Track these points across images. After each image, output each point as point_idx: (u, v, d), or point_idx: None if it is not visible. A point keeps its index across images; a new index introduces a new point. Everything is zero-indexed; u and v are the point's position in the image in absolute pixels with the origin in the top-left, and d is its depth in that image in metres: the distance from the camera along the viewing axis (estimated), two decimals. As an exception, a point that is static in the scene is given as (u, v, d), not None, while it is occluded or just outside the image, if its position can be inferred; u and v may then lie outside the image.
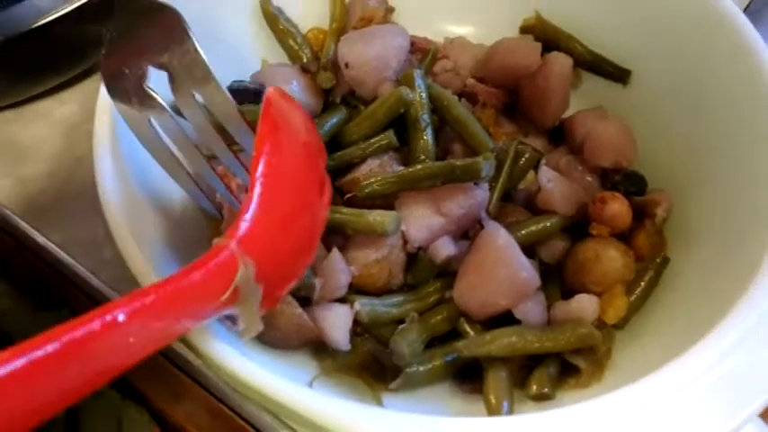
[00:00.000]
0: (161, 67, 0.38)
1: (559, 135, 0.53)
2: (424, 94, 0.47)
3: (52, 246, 0.53)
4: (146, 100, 0.38)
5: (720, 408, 0.32)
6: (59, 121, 0.59)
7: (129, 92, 0.38)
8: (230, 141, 0.40)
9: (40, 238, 0.53)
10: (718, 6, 0.44)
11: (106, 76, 0.39)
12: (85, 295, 0.53)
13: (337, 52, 0.50)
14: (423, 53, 0.53)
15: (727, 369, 0.33)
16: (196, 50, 0.37)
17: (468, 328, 0.43)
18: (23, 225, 0.53)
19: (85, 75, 0.60)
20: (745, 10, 0.62)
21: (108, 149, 0.41)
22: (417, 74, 0.48)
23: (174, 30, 0.37)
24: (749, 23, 0.43)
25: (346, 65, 0.49)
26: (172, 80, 0.38)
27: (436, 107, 0.48)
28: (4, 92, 0.56)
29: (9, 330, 0.76)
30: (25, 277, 0.69)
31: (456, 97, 0.50)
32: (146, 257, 0.37)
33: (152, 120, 0.39)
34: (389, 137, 0.47)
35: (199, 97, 0.38)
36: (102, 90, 0.42)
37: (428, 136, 0.47)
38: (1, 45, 0.47)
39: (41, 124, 0.58)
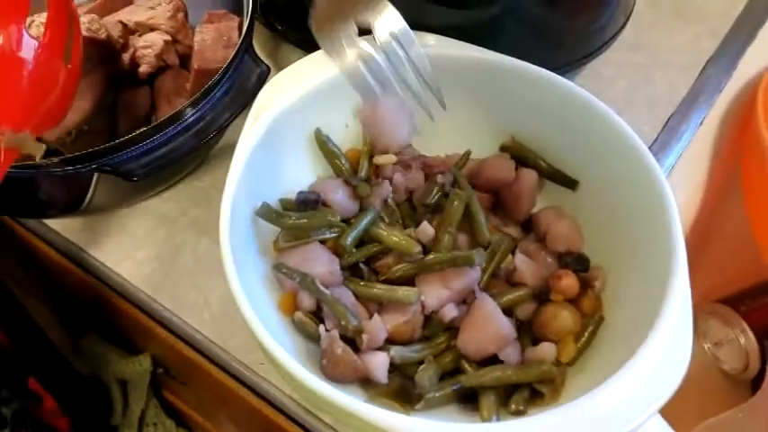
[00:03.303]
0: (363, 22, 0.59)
1: (529, 225, 0.73)
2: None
3: (163, 308, 0.72)
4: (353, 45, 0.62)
5: (634, 410, 0.50)
6: (161, 216, 0.78)
7: (339, 40, 0.60)
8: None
9: (156, 305, 0.73)
10: (639, 150, 0.62)
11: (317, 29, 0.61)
12: (190, 346, 0.73)
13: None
14: (434, 169, 0.74)
15: (636, 387, 0.51)
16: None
17: (467, 367, 0.62)
18: (143, 296, 0.73)
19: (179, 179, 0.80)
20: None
21: (229, 240, 0.58)
22: (431, 189, 0.69)
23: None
24: (657, 163, 0.62)
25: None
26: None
27: (444, 210, 0.69)
28: (127, 199, 0.76)
29: (99, 372, 0.96)
30: (116, 331, 0.89)
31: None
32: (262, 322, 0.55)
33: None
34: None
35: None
36: (225, 198, 0.60)
37: (440, 233, 0.67)
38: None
39: (148, 218, 0.78)
